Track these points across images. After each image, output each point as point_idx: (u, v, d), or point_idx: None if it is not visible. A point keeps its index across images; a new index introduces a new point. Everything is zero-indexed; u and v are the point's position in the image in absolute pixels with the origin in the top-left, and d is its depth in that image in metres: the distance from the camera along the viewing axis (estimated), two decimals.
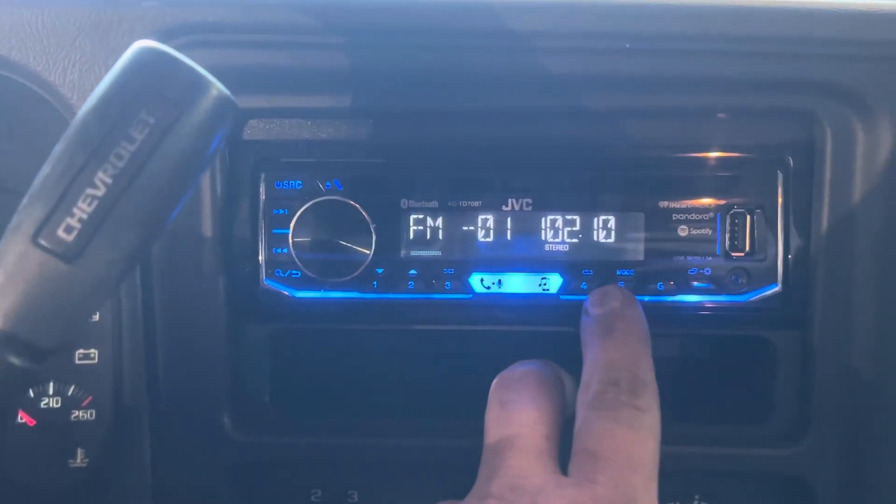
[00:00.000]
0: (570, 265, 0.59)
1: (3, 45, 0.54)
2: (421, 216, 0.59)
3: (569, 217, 0.59)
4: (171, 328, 0.58)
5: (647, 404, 0.44)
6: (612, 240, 0.59)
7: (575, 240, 0.59)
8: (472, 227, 0.59)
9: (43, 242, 0.35)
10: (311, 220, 0.59)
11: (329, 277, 0.59)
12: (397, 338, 0.63)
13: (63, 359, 0.58)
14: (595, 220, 0.59)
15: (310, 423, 0.61)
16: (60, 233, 0.35)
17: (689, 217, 0.58)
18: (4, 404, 0.38)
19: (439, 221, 0.59)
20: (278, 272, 0.59)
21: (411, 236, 0.59)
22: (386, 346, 0.64)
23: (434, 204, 0.59)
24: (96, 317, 0.58)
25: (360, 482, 0.62)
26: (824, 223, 0.56)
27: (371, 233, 0.59)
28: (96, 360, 0.58)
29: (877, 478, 0.57)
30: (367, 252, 0.59)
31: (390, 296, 0.59)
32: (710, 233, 0.58)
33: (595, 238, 0.59)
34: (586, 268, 0.59)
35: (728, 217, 0.58)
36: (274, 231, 0.59)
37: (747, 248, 0.58)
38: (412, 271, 0.59)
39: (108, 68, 0.38)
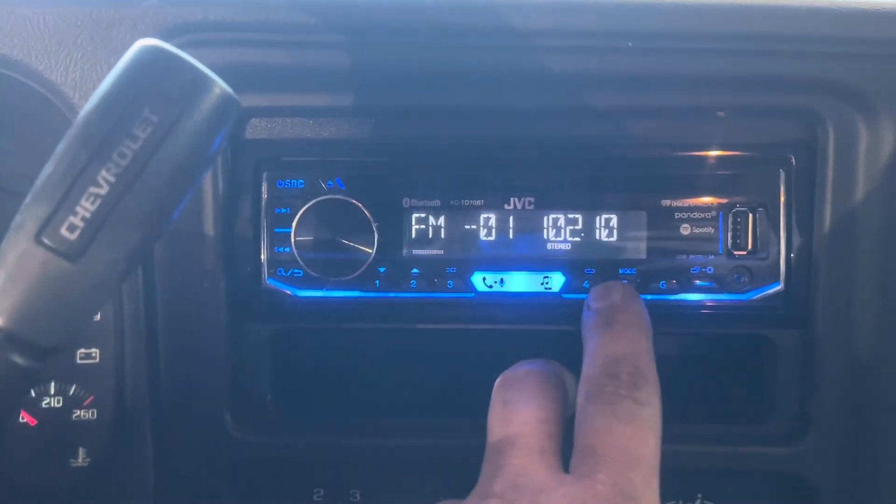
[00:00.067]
0: (572, 264, 0.59)
1: (4, 43, 0.54)
2: (423, 215, 0.59)
3: (571, 216, 0.59)
4: (172, 327, 0.58)
5: (647, 398, 0.44)
6: (614, 238, 0.59)
7: (577, 238, 0.59)
8: (474, 226, 0.59)
9: (46, 241, 0.35)
10: (313, 219, 0.59)
11: (331, 276, 0.59)
12: (399, 337, 0.63)
13: (64, 358, 0.58)
14: (597, 218, 0.59)
15: (311, 422, 0.61)
16: (63, 231, 0.35)
17: (692, 216, 0.58)
18: (7, 403, 0.38)
19: (441, 220, 0.59)
20: (280, 271, 0.59)
21: (413, 235, 0.59)
22: (388, 345, 0.64)
23: (436, 203, 0.59)
24: (98, 316, 0.58)
25: (362, 481, 0.62)
26: (827, 222, 0.56)
27: (373, 232, 0.59)
28: (97, 360, 0.58)
29: (877, 476, 0.58)
30: (370, 251, 0.59)
31: (392, 295, 0.59)
32: (713, 231, 0.58)
33: (597, 237, 0.59)
34: (589, 266, 0.59)
35: (730, 216, 0.58)
36: (276, 230, 0.59)
37: (749, 247, 0.58)
38: (414, 270, 0.59)
39: (109, 67, 0.38)
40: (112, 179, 0.35)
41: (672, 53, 0.54)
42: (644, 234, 0.58)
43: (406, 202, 0.59)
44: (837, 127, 0.55)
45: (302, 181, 0.59)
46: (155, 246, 0.55)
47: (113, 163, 0.35)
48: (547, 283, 0.59)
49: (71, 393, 0.58)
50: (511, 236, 0.59)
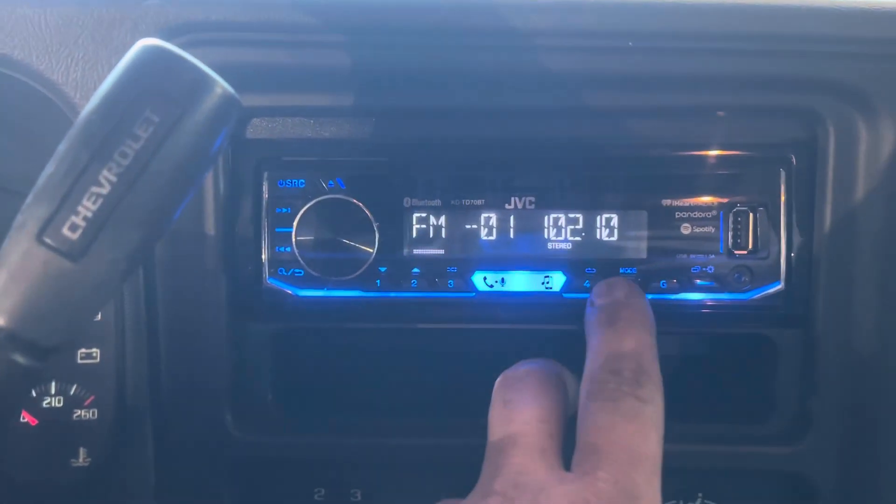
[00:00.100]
0: (573, 263, 0.59)
1: (5, 43, 0.54)
2: (424, 214, 0.59)
3: (572, 215, 0.59)
4: (173, 327, 0.58)
5: (649, 395, 0.43)
6: (615, 238, 0.59)
7: (578, 238, 0.59)
8: (475, 226, 0.59)
9: (47, 241, 0.35)
10: (313, 218, 0.59)
11: (332, 276, 0.59)
12: (400, 336, 0.63)
13: (65, 358, 0.58)
14: (598, 218, 0.59)
15: (312, 421, 0.61)
16: (65, 231, 0.35)
17: (692, 215, 0.58)
18: (8, 403, 0.38)
19: (442, 220, 0.59)
20: (281, 271, 0.59)
21: (414, 235, 0.59)
22: (389, 345, 0.64)
23: (437, 202, 0.59)
24: (98, 316, 0.57)
25: (363, 481, 0.62)
26: (827, 221, 0.56)
27: (374, 231, 0.59)
28: (98, 360, 0.58)
29: (878, 476, 0.58)
30: (370, 251, 0.59)
31: (393, 294, 0.59)
32: (713, 231, 0.58)
33: (598, 236, 0.59)
34: (589, 266, 0.59)
35: (731, 215, 0.58)
36: (277, 230, 0.59)
37: (750, 247, 0.58)
38: (415, 270, 0.59)
39: (110, 67, 0.38)
40: (114, 179, 0.35)
41: (672, 53, 0.54)
42: (645, 233, 0.59)
43: (407, 202, 0.59)
44: (838, 127, 0.55)
45: (303, 181, 0.59)
46: (156, 245, 0.55)
47: (114, 162, 0.35)
48: (548, 282, 0.59)
49: (72, 393, 0.58)
50: (512, 236, 0.59)
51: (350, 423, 0.61)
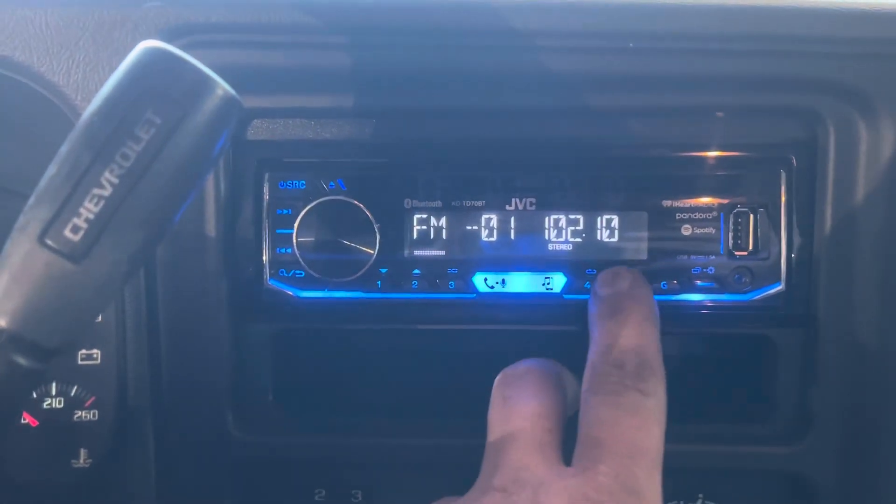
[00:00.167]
0: (573, 264, 0.59)
1: (6, 45, 0.54)
2: (424, 216, 0.59)
3: (572, 216, 0.59)
4: (174, 328, 0.58)
5: (652, 388, 0.43)
6: (615, 239, 0.59)
7: (578, 239, 0.59)
8: (475, 227, 0.59)
9: (49, 242, 0.35)
10: (314, 219, 0.59)
11: (333, 277, 0.59)
12: (401, 337, 0.63)
13: (66, 359, 0.58)
14: (598, 219, 0.59)
15: (313, 422, 0.61)
16: (67, 233, 0.35)
17: (693, 216, 0.58)
18: (10, 404, 0.38)
19: (443, 221, 0.59)
20: (282, 272, 0.59)
21: (415, 236, 0.59)
22: (389, 346, 0.64)
23: (438, 203, 0.59)
24: (99, 317, 0.57)
25: (363, 481, 0.62)
26: (827, 222, 0.56)
27: (375, 232, 0.59)
28: (99, 361, 0.58)
29: (878, 476, 0.58)
30: (371, 252, 0.59)
31: (394, 295, 0.59)
32: (714, 232, 0.58)
33: (598, 237, 0.59)
34: (590, 267, 0.59)
35: (731, 216, 0.58)
36: (278, 231, 0.59)
37: (750, 247, 0.58)
38: (416, 271, 0.59)
39: (111, 69, 0.38)
40: (115, 181, 0.35)
41: (672, 54, 0.54)
42: (645, 234, 0.59)
43: (407, 203, 0.59)
44: (838, 127, 0.55)
45: (303, 182, 0.59)
46: (157, 247, 0.55)
47: (116, 164, 0.35)
48: (548, 283, 0.59)
49: (72, 394, 0.58)
50: (512, 237, 0.59)
51: (350, 423, 0.61)
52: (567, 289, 0.59)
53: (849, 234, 0.56)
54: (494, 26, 0.53)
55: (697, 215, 0.58)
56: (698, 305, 0.59)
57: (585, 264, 0.59)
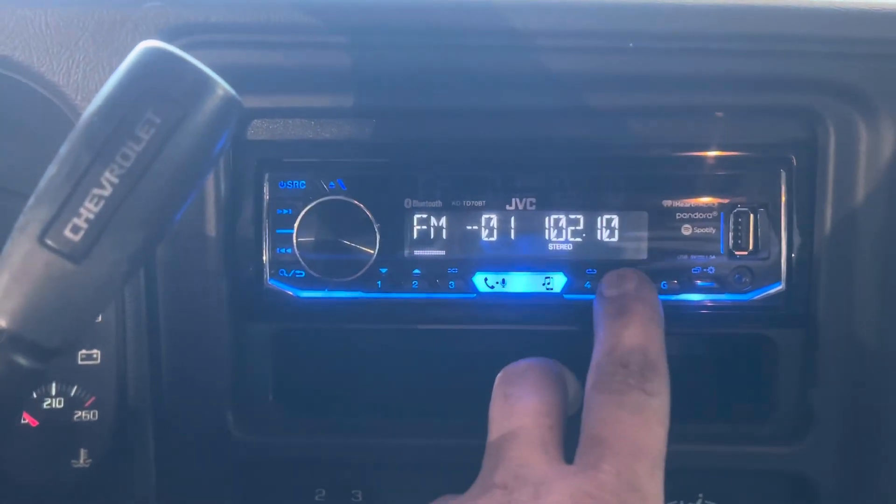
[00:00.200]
0: (573, 264, 0.59)
1: (6, 45, 0.54)
2: (425, 216, 0.59)
3: (572, 216, 0.59)
4: (174, 328, 0.58)
5: (656, 388, 0.43)
6: (615, 239, 0.59)
7: (579, 239, 0.59)
8: (475, 227, 0.59)
9: (49, 242, 0.35)
10: (314, 219, 0.59)
11: (333, 277, 0.59)
12: (401, 337, 0.63)
13: (66, 359, 0.57)
14: (599, 219, 0.59)
15: (313, 422, 0.61)
16: (67, 233, 0.35)
17: (693, 216, 0.58)
18: (10, 404, 0.38)
19: (443, 221, 0.59)
20: (282, 272, 0.59)
21: (415, 236, 0.59)
22: (390, 346, 0.64)
23: (438, 203, 0.59)
24: (99, 317, 0.57)
25: (363, 481, 0.62)
26: (828, 221, 0.56)
27: (375, 232, 0.59)
28: (99, 361, 0.58)
29: (878, 476, 0.58)
30: (371, 252, 0.59)
31: (394, 295, 0.59)
32: (714, 232, 0.58)
33: (599, 237, 0.59)
34: (590, 267, 0.59)
35: (731, 216, 0.58)
36: (278, 231, 0.59)
37: (751, 247, 0.58)
38: (416, 271, 0.59)
39: (111, 69, 0.38)
40: (115, 181, 0.35)
41: (672, 54, 0.54)
42: (645, 234, 0.59)
43: (408, 203, 0.59)
44: (838, 127, 0.55)
45: (304, 182, 0.59)
46: (157, 247, 0.55)
47: (116, 164, 0.35)
48: (548, 283, 0.59)
49: (72, 394, 0.58)
50: (512, 237, 0.59)
51: (350, 423, 0.61)
52: (567, 289, 0.59)
53: (849, 234, 0.56)
54: (494, 26, 0.53)
55: (697, 215, 0.58)
56: (698, 305, 0.59)
57: (585, 264, 0.59)
